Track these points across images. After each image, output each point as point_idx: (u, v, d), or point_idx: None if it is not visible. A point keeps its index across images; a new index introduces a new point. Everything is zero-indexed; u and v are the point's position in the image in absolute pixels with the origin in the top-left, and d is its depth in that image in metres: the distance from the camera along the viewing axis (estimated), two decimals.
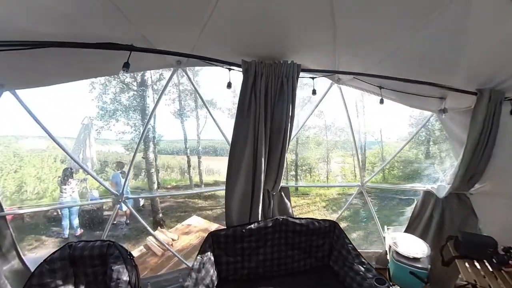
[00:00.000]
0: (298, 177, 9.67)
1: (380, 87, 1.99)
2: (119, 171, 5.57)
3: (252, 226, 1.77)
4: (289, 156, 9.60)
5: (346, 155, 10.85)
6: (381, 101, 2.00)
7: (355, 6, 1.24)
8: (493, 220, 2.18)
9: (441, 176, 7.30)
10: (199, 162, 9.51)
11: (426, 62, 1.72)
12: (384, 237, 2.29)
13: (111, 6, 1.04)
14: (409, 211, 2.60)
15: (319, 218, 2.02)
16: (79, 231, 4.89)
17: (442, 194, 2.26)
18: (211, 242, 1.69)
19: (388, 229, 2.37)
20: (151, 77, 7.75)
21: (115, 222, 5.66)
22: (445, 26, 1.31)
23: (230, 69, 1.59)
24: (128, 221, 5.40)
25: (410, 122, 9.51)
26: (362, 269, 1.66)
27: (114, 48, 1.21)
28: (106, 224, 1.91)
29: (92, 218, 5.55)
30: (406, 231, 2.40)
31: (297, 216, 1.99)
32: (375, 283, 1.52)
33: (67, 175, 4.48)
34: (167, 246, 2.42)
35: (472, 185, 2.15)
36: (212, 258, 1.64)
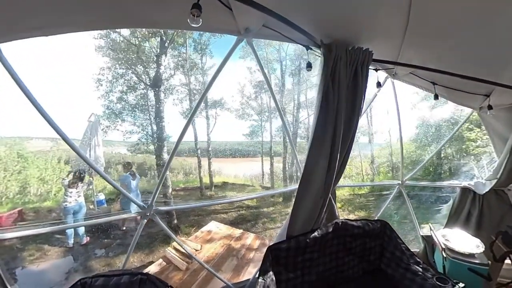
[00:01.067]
0: None
1: (434, 84, 1.87)
2: (128, 173, 5.09)
3: (316, 234, 1.51)
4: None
5: (352, 156, 10.54)
6: (436, 97, 1.94)
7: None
8: None
9: (476, 172, 7.01)
10: (209, 163, 9.09)
11: (481, 59, 1.61)
12: (422, 236, 2.27)
13: None
14: (445, 209, 2.56)
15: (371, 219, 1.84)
16: (85, 239, 4.43)
17: (481, 190, 2.25)
18: (271, 258, 1.37)
19: (432, 226, 2.10)
20: (161, 76, 7.38)
21: (124, 228, 5.18)
22: (505, 24, 1.19)
23: (308, 48, 1.31)
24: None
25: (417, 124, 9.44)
26: (420, 269, 1.52)
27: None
28: (134, 237, 1.43)
29: (98, 224, 5.07)
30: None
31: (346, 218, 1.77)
32: (438, 283, 1.38)
33: (77, 177, 4.03)
34: (201, 262, 1.92)
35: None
36: (274, 278, 1.32)
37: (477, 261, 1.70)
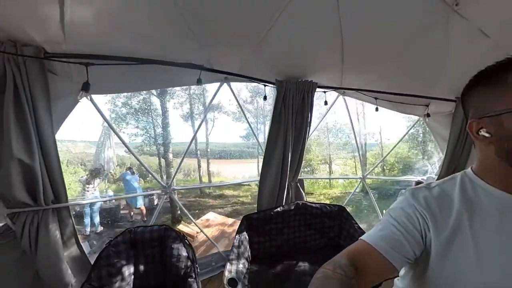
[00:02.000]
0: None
1: (376, 98, 2.36)
2: (127, 171, 5.80)
3: (279, 209, 2.06)
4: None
5: (347, 157, 11.18)
6: (376, 109, 2.40)
7: (360, 38, 1.68)
8: None
9: (429, 168, 7.99)
10: (208, 164, 9.69)
11: (413, 78, 2.16)
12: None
13: (192, 38, 1.41)
14: None
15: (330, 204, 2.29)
16: (99, 228, 5.04)
17: None
18: (246, 224, 1.94)
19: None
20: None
21: (132, 220, 5.79)
22: (429, 50, 1.78)
23: (265, 85, 1.94)
24: (145, 219, 5.54)
25: (409, 124, 10.30)
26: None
27: (190, 67, 1.55)
28: (154, 213, 2.08)
29: (110, 217, 5.70)
30: None
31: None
32: None
33: (93, 175, 4.65)
34: (200, 228, 2.62)
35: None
36: (247, 237, 1.89)
37: None
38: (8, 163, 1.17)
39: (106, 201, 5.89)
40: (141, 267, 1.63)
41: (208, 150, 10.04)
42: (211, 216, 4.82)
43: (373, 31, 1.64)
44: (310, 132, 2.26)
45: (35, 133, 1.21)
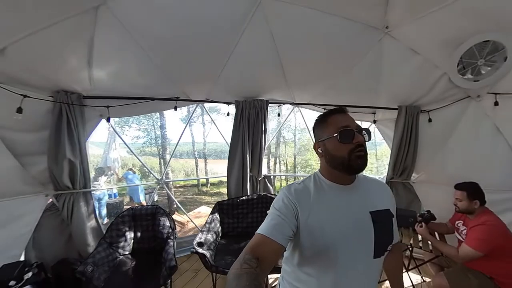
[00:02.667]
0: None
1: (324, 109, 2.78)
2: (129, 171, 6.65)
3: (244, 198, 2.76)
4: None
5: None
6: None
7: (297, 61, 2.28)
8: (432, 201, 2.62)
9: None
10: (206, 163, 10.45)
11: (358, 90, 2.62)
12: None
13: (168, 80, 2.20)
14: None
15: None
16: (106, 220, 5.84)
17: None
18: (218, 208, 2.66)
19: None
20: None
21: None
22: (366, 67, 2.24)
23: (228, 104, 2.76)
24: None
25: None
26: None
27: (169, 100, 2.41)
28: (151, 198, 2.87)
29: (115, 210, 6.50)
30: None
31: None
32: None
33: (100, 173, 5.44)
34: (189, 216, 3.44)
35: (407, 176, 2.70)
36: (219, 217, 2.61)
37: None
38: (62, 162, 1.97)
39: (116, 188, 6.73)
40: (138, 234, 2.38)
41: (206, 150, 10.81)
42: (203, 209, 5.58)
43: (310, 54, 2.15)
44: (272, 137, 3.02)
45: (77, 142, 2.02)
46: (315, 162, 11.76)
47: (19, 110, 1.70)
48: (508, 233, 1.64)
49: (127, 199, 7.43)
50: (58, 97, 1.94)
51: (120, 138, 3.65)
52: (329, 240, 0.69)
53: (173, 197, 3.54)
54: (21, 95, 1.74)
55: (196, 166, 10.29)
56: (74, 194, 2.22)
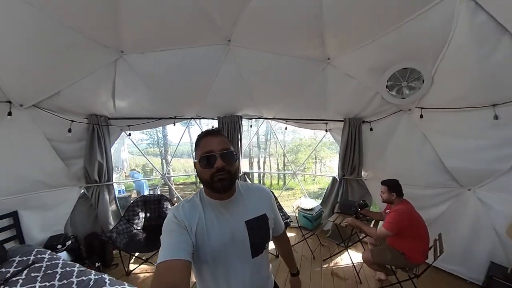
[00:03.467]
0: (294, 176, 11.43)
1: (286, 121, 3.71)
2: (133, 169, 7.49)
3: None
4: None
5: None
6: (286, 128, 3.86)
7: (260, 86, 3.06)
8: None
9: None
10: None
11: (310, 107, 3.34)
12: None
13: (168, 105, 3.06)
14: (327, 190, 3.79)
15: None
16: None
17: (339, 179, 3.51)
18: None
19: (300, 198, 3.93)
20: None
21: None
22: (315, 89, 2.97)
23: (213, 119, 3.61)
24: None
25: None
26: (281, 213, 3.34)
27: (170, 118, 3.28)
28: (156, 190, 3.68)
29: (123, 202, 7.35)
30: (322, 203, 3.73)
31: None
32: (284, 217, 3.08)
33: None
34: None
35: (358, 174, 3.31)
36: None
37: (310, 213, 3.36)
38: (94, 162, 2.80)
39: (123, 183, 7.57)
40: (148, 214, 3.17)
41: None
42: None
43: (270, 83, 2.96)
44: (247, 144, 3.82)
45: (104, 149, 2.84)
46: (306, 161, 12.51)
47: (70, 131, 2.54)
48: (414, 219, 2.08)
49: (134, 195, 8.30)
50: (91, 119, 2.82)
51: (136, 147, 4.48)
52: (213, 249, 0.77)
53: (174, 191, 4.32)
54: (70, 120, 2.59)
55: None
56: (100, 186, 3.04)
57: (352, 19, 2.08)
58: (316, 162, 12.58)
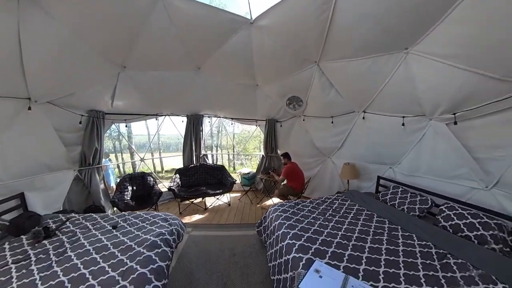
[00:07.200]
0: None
1: (232, 120, 5.37)
2: (107, 158, 7.52)
3: (191, 165, 4.89)
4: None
5: None
6: (232, 124, 5.53)
7: (215, 97, 4.60)
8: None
9: None
10: (160, 153, 11.51)
11: (246, 111, 5.07)
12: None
13: (153, 105, 4.14)
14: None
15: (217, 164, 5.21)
16: None
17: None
18: (178, 171, 4.69)
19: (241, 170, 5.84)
20: None
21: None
22: (250, 102, 4.74)
23: (183, 116, 4.81)
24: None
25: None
26: (230, 179, 4.88)
27: (154, 115, 4.37)
28: (134, 171, 4.58)
29: None
30: (256, 171, 5.57)
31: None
32: (230, 180, 4.73)
33: None
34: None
35: (275, 152, 5.20)
36: (178, 176, 4.64)
37: (248, 176, 5.22)
38: (92, 148, 3.60)
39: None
40: (134, 187, 4.13)
41: (160, 142, 11.78)
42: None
43: (220, 98, 4.46)
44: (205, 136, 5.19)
45: (100, 137, 3.68)
46: (253, 151, 14.48)
47: (80, 122, 3.37)
48: (295, 171, 3.95)
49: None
50: (92, 114, 3.61)
51: (124, 137, 5.03)
52: None
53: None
54: (80, 115, 3.38)
55: (152, 158, 11.30)
56: (91, 169, 3.77)
57: (268, 70, 3.81)
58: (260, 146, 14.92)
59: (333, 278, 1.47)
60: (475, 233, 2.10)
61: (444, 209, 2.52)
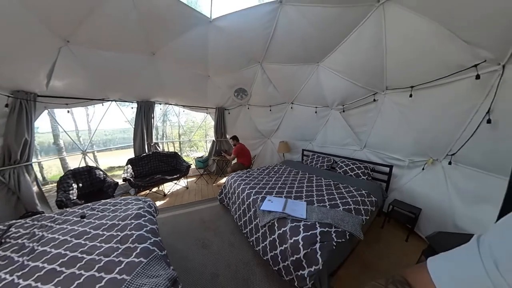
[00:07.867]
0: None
1: (183, 106, 5.58)
2: None
3: (144, 154, 4.85)
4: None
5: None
6: (184, 111, 6.15)
7: (170, 85, 4.69)
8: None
9: None
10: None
11: (199, 100, 5.42)
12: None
13: (100, 89, 3.83)
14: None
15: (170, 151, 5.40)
16: None
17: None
18: (129, 162, 4.58)
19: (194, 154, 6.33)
20: None
21: None
22: (202, 91, 5.13)
23: (133, 102, 4.63)
24: None
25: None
26: (185, 164, 5.25)
27: (100, 100, 4.02)
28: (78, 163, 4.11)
29: None
30: (208, 155, 6.21)
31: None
32: (185, 164, 5.11)
33: None
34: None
35: (224, 136, 5.88)
36: (130, 166, 4.55)
37: (201, 159, 5.76)
38: (20, 140, 3.00)
39: None
40: (80, 185, 3.75)
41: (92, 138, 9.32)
42: None
43: (176, 82, 4.51)
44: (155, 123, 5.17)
45: (31, 126, 3.11)
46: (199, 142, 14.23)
47: (7, 105, 2.79)
48: (243, 150, 4.80)
49: None
50: (18, 95, 2.92)
51: (60, 126, 4.46)
52: None
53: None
54: (5, 95, 2.79)
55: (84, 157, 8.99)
56: (18, 168, 2.95)
57: (220, 64, 4.34)
58: (206, 134, 14.82)
59: (279, 201, 2.49)
60: (354, 172, 3.63)
61: (339, 163, 4.11)
